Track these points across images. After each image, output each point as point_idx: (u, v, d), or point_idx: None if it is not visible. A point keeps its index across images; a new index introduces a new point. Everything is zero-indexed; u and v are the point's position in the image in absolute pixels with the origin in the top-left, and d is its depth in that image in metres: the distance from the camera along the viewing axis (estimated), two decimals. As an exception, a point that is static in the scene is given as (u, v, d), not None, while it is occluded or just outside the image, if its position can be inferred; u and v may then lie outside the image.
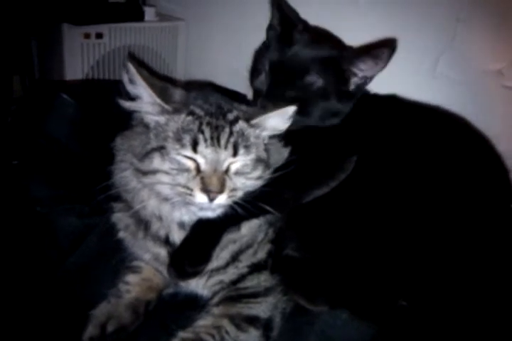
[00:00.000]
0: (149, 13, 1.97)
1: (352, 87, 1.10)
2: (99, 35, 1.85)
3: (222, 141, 0.89)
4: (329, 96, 1.07)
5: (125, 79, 0.91)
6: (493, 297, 0.85)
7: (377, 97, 1.14)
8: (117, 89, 0.94)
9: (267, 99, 1.07)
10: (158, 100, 0.90)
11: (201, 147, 0.88)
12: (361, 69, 1.07)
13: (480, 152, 1.00)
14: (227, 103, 0.97)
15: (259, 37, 1.21)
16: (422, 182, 0.93)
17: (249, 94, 1.23)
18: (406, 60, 1.39)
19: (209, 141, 0.88)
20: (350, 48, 1.15)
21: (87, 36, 1.82)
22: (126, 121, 1.01)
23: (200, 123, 0.89)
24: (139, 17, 1.94)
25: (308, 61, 1.07)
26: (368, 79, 1.10)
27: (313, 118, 1.08)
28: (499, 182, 0.96)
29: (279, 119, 0.96)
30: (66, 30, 1.77)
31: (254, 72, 1.15)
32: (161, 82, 0.95)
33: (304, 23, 1.17)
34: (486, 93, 1.30)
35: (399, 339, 0.87)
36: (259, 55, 1.16)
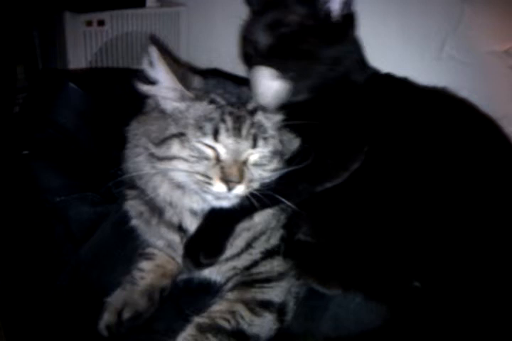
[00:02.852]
0: (150, -1, 1.95)
1: (337, 15, 0.97)
2: (101, 23, 1.84)
3: (244, 132, 0.89)
4: (316, 32, 0.97)
5: (145, 62, 0.89)
6: (509, 279, 0.85)
7: (390, 79, 1.08)
8: (124, 77, 0.93)
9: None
10: (180, 86, 0.89)
11: (222, 136, 0.88)
12: None
13: (489, 134, 0.99)
14: (245, 92, 0.96)
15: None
16: (433, 164, 0.92)
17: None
18: (411, 41, 1.39)
19: (231, 131, 0.88)
20: None
21: (89, 24, 1.81)
22: (134, 108, 1.01)
23: (222, 113, 0.89)
24: (141, 3, 1.93)
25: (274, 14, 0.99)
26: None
27: (317, 69, 0.99)
28: (509, 164, 0.96)
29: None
30: (68, 18, 1.76)
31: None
32: (181, 68, 0.94)
33: None
34: (493, 74, 1.29)
35: (412, 322, 0.88)
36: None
